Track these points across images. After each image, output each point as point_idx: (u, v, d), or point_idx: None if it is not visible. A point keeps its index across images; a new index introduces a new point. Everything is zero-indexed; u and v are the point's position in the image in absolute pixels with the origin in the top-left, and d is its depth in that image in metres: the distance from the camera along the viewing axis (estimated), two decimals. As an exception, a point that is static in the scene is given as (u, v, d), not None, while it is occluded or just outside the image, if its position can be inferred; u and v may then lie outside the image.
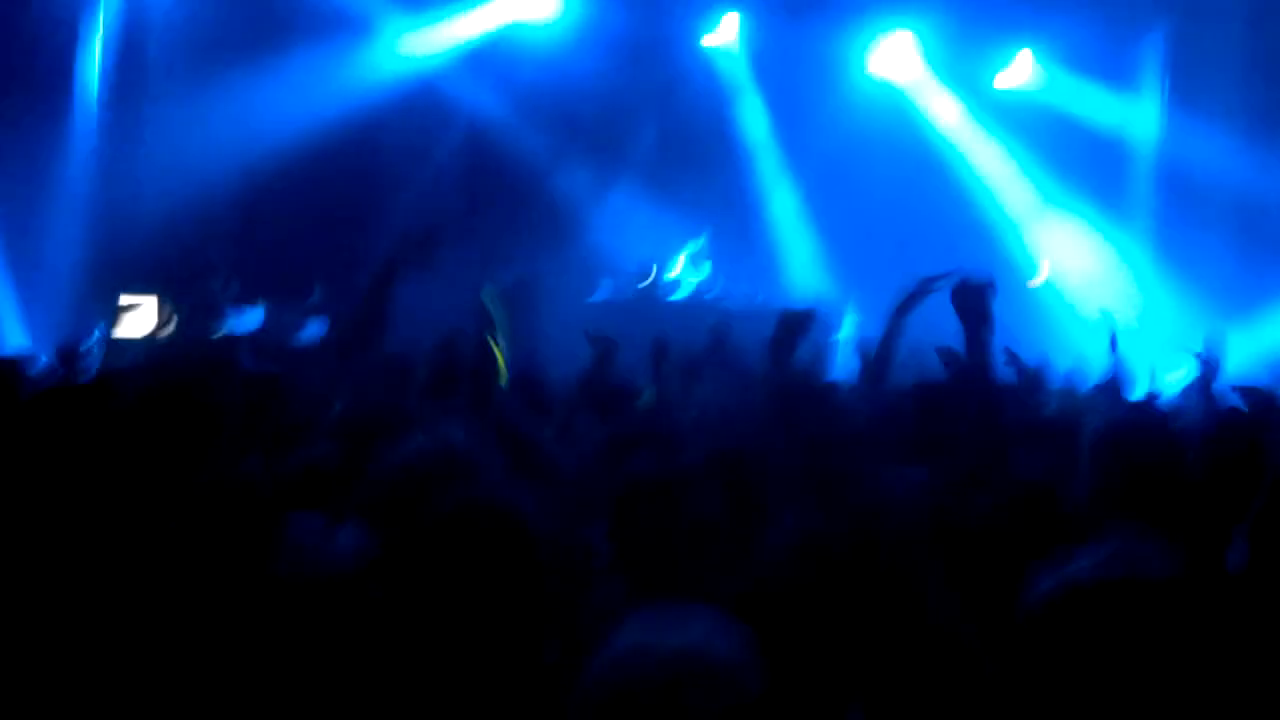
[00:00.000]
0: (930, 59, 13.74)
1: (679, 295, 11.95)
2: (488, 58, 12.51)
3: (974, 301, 3.89)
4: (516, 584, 2.64)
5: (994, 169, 13.81)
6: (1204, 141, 12.55)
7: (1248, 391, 6.02)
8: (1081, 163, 13.41)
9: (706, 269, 12.19)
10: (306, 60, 11.56)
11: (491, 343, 4.10)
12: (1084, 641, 2.11)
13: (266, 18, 11.46)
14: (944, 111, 13.89)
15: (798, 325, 4.15)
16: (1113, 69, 13.49)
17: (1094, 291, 12.29)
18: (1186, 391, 6.97)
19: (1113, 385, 6.56)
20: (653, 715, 1.86)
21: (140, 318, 9.41)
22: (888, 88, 13.83)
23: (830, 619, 2.58)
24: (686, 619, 1.98)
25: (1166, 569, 2.18)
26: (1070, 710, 2.09)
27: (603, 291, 11.79)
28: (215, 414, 3.22)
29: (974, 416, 3.78)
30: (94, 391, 3.88)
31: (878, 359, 4.70)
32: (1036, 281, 13.23)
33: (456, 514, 2.70)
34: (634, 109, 12.98)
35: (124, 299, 9.80)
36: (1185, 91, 13.11)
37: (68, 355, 7.37)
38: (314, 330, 8.91)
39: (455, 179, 12.43)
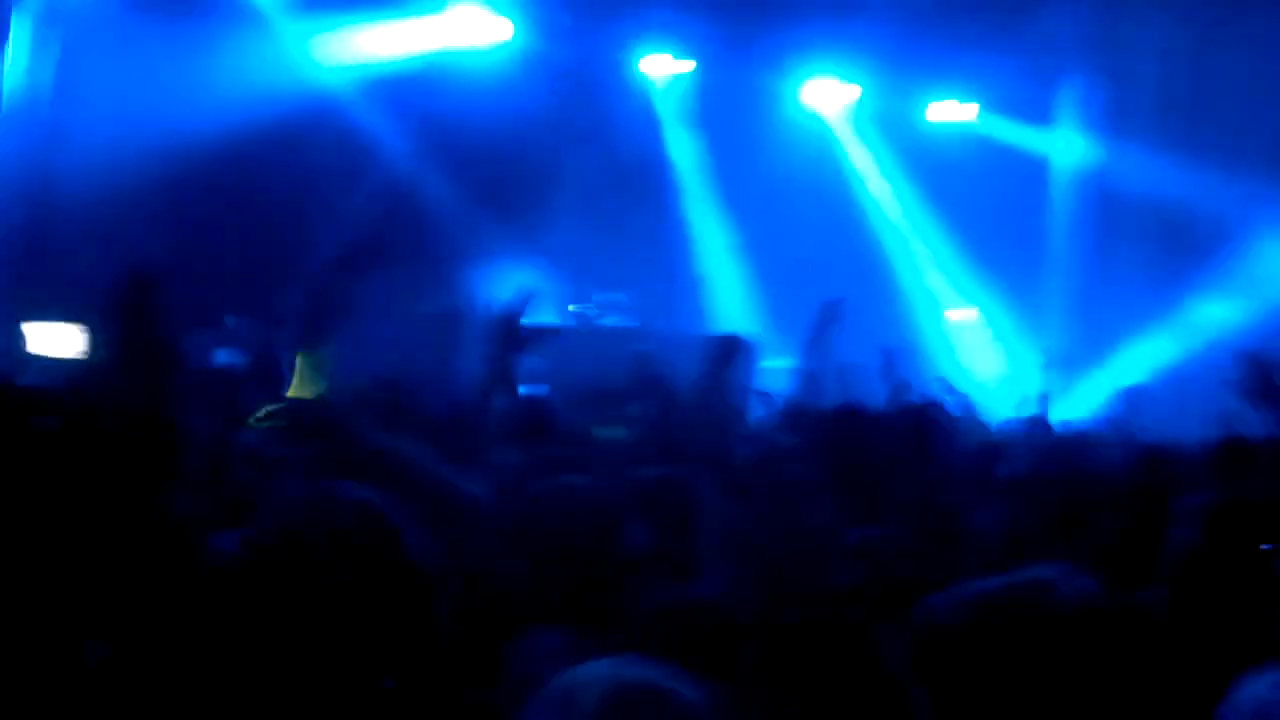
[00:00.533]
0: (858, 103, 13.93)
1: (601, 324, 11.87)
2: (416, 81, 12.24)
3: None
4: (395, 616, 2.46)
5: (909, 214, 14.10)
6: (1126, 173, 13.15)
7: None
8: (1001, 205, 13.63)
9: (623, 301, 12.15)
10: (221, 56, 10.93)
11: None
12: (984, 656, 2.01)
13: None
14: (867, 155, 14.09)
15: (730, 352, 4.04)
16: (1037, 109, 13.92)
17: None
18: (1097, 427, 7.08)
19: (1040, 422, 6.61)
20: None
21: (52, 339, 9.15)
22: (819, 123, 13.93)
23: (776, 665, 2.43)
24: (633, 660, 1.83)
25: (1082, 593, 2.09)
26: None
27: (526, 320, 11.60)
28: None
29: (918, 456, 3.69)
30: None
31: (805, 389, 4.62)
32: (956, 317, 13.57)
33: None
34: (564, 142, 12.88)
35: (34, 325, 9.51)
36: (1106, 129, 13.66)
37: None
38: (224, 358, 8.68)
39: (375, 208, 12.17)
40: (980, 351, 13.29)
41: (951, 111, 14.07)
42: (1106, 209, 13.57)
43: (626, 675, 1.78)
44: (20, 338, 9.05)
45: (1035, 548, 3.65)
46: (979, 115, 14.04)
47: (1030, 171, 14.05)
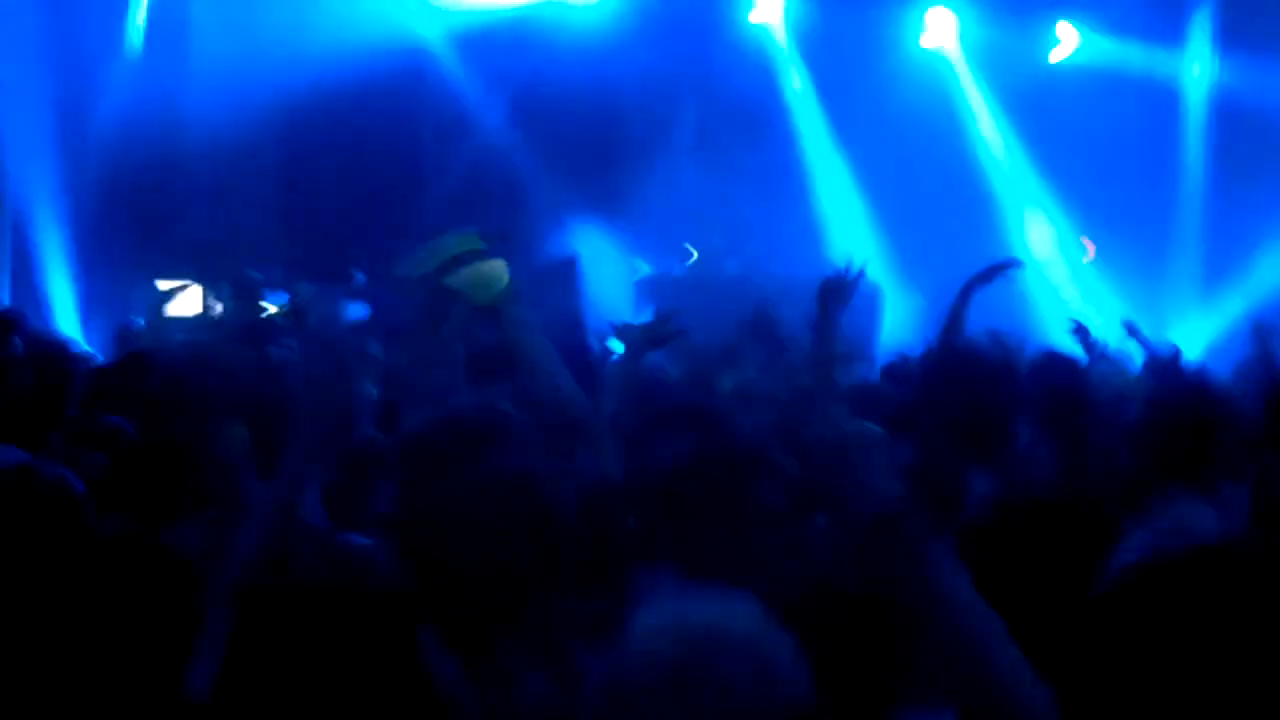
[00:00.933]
0: (971, 36, 13.54)
1: (719, 274, 11.83)
2: (520, 34, 12.23)
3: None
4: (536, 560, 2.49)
5: (1031, 148, 13.63)
6: (1259, 96, 12.48)
7: None
8: (1124, 133, 13.19)
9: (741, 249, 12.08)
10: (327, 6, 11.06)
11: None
12: (1177, 612, 1.91)
13: None
14: (985, 88, 13.70)
15: (839, 293, 3.95)
16: (1164, 32, 13.31)
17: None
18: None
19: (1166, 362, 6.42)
20: (697, 702, 1.66)
21: (183, 300, 9.36)
22: (937, 59, 13.61)
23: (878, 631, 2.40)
24: (733, 608, 1.79)
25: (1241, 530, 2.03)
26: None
27: (648, 270, 11.65)
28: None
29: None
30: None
31: (945, 341, 4.55)
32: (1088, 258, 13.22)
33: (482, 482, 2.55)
34: (673, 92, 12.78)
35: (165, 284, 9.74)
36: (1237, 47, 13.01)
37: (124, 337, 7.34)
38: (355, 313, 8.79)
39: (497, 157, 12.22)
40: (1089, 291, 12.92)
41: (1071, 38, 13.64)
42: (1240, 132, 12.88)
43: (715, 622, 1.75)
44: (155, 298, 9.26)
45: (1163, 493, 3.56)
46: (1100, 42, 13.57)
47: (1157, 97, 13.46)
